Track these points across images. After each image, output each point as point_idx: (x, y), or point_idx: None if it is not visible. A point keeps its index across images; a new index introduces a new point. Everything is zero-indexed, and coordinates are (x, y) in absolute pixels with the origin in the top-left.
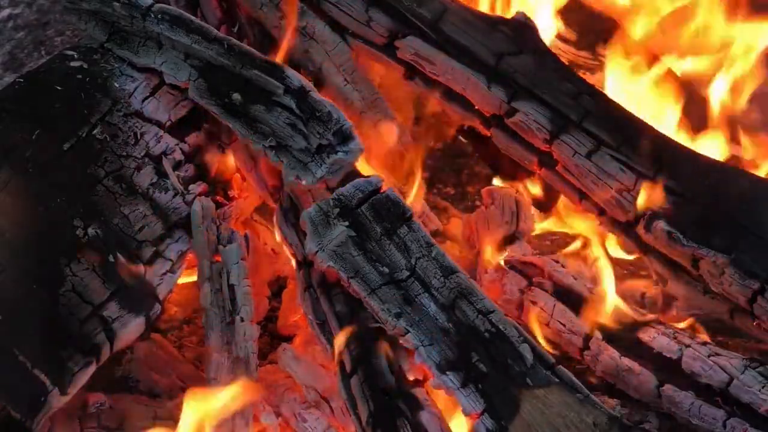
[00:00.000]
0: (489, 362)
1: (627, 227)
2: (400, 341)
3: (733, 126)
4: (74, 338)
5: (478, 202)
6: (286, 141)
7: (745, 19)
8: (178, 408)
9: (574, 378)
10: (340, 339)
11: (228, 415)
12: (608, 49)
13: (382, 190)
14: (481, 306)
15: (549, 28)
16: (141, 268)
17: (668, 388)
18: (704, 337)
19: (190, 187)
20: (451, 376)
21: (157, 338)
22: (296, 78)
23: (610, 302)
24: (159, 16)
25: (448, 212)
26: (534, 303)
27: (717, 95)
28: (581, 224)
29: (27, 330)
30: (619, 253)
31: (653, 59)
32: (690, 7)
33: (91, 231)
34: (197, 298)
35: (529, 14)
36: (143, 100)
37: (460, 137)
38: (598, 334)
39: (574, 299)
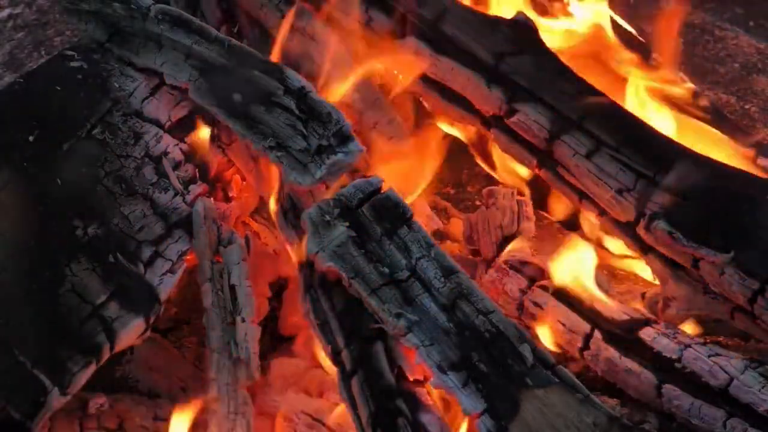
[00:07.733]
0: (489, 362)
1: (627, 227)
2: (401, 341)
3: None
4: (74, 338)
5: (478, 202)
6: (286, 141)
7: None
8: (178, 408)
9: (574, 378)
10: (341, 339)
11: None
12: None
13: (382, 191)
14: (481, 306)
15: None
16: (141, 268)
17: (668, 388)
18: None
19: (190, 187)
20: (452, 376)
21: (157, 338)
22: (296, 78)
23: (610, 302)
24: (159, 16)
25: (448, 212)
26: (534, 303)
27: None
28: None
29: (27, 330)
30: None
31: None
32: None
33: (91, 231)
34: (197, 298)
35: None
36: (143, 100)
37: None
38: (598, 334)
39: (574, 299)
